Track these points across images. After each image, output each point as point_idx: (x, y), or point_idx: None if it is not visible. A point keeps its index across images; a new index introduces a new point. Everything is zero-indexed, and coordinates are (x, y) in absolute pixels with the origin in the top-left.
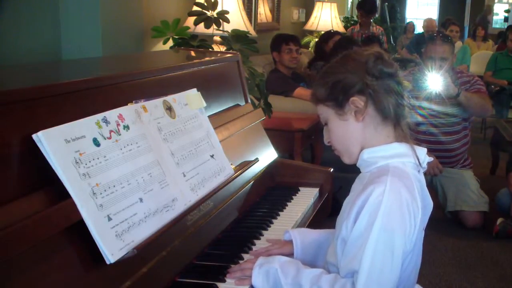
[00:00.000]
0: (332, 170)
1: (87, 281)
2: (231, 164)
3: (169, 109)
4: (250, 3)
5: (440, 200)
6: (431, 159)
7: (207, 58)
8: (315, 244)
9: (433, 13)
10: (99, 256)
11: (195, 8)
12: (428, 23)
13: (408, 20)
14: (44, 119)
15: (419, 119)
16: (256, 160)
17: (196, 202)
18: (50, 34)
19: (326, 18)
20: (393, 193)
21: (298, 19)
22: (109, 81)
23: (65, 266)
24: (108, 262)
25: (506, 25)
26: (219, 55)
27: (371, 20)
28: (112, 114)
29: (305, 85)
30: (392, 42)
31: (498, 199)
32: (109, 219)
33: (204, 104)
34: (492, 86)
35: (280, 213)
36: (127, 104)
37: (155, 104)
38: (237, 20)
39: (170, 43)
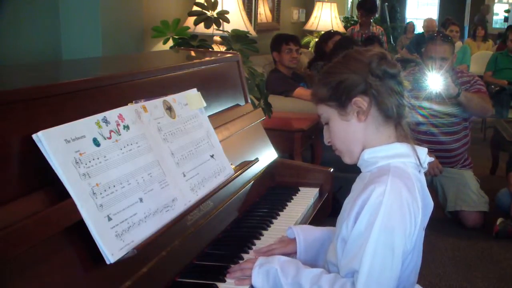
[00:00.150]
0: (332, 170)
1: (87, 281)
2: (231, 164)
3: (169, 109)
4: (250, 3)
5: (440, 200)
6: (432, 159)
7: (207, 58)
8: (318, 242)
9: (433, 13)
10: (99, 256)
11: (195, 8)
12: (428, 23)
13: (408, 20)
14: (44, 119)
15: (420, 119)
16: (256, 160)
17: (196, 202)
18: (50, 34)
19: (326, 18)
20: (393, 193)
21: (298, 19)
22: (109, 81)
23: (65, 266)
24: (108, 262)
25: (506, 25)
26: (219, 55)
27: (371, 20)
28: (112, 114)
29: (305, 85)
30: (392, 42)
31: (498, 199)
32: (109, 219)
33: (204, 104)
34: (492, 86)
35: (280, 213)
36: (127, 104)
37: (155, 104)
38: (237, 20)
39: (170, 43)
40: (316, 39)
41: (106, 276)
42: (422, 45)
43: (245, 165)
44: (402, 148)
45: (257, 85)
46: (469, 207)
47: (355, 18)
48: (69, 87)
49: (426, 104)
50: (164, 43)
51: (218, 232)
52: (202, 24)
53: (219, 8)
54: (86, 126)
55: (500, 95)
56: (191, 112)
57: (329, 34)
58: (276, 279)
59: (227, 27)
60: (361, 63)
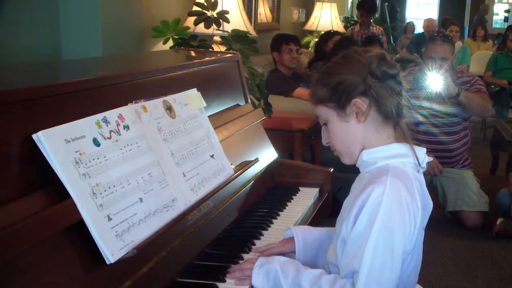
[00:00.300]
0: (332, 170)
1: (87, 281)
2: (231, 164)
3: (169, 109)
4: (250, 3)
5: (440, 200)
6: (430, 159)
7: (207, 58)
8: (316, 242)
9: (433, 13)
10: (99, 256)
11: (195, 8)
12: (428, 23)
13: (408, 20)
14: (44, 119)
15: (420, 119)
16: (256, 160)
17: (196, 202)
18: (50, 34)
19: (326, 18)
20: (392, 193)
21: (298, 19)
22: (109, 81)
23: (65, 266)
24: (108, 262)
25: (506, 25)
26: (219, 55)
27: (371, 20)
28: (112, 114)
29: (305, 85)
30: (392, 42)
31: (498, 199)
32: (109, 219)
33: (204, 104)
34: (492, 86)
35: (280, 213)
36: (127, 104)
37: (155, 104)
38: (237, 20)
39: (170, 43)
40: (316, 39)
41: (106, 276)
42: (422, 45)
43: (245, 165)
44: (401, 148)
45: (257, 85)
46: (469, 207)
47: (355, 18)
48: (69, 87)
49: (426, 104)
50: (164, 43)
51: (218, 232)
52: (202, 24)
53: (219, 8)
54: (86, 126)
55: (500, 95)
56: (191, 112)
57: (329, 34)
58: (276, 279)
59: (227, 27)
60: (360, 63)
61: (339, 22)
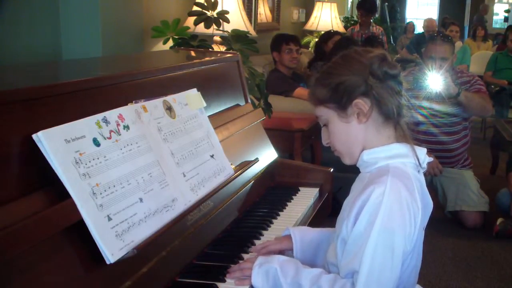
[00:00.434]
0: (332, 170)
1: (87, 281)
2: (231, 164)
3: (169, 109)
4: (250, 3)
5: (440, 200)
6: (431, 159)
7: (207, 58)
8: (314, 243)
9: (433, 13)
10: (99, 256)
11: (195, 8)
12: (428, 23)
13: (408, 20)
14: (44, 119)
15: (420, 118)
16: (256, 160)
17: (196, 202)
18: (50, 34)
19: (326, 18)
20: (393, 194)
21: (298, 19)
22: (109, 81)
23: (65, 266)
24: (108, 262)
25: (506, 25)
26: (219, 55)
27: (371, 20)
28: (112, 114)
29: (305, 85)
30: (392, 42)
31: (498, 199)
32: (109, 219)
33: (204, 104)
34: (492, 86)
35: (280, 213)
36: (127, 104)
37: (155, 104)
38: (237, 20)
39: (170, 43)
40: (316, 39)
41: (106, 276)
42: (422, 45)
43: (245, 165)
44: (401, 148)
45: (257, 85)
46: (469, 207)
47: (355, 18)
48: (69, 87)
49: (426, 104)
50: (164, 43)
51: (218, 232)
52: (202, 24)
53: (219, 8)
54: (86, 126)
55: (500, 95)
56: (191, 112)
57: (329, 34)
58: (275, 278)
59: (227, 27)
60: (360, 64)
61: (339, 22)
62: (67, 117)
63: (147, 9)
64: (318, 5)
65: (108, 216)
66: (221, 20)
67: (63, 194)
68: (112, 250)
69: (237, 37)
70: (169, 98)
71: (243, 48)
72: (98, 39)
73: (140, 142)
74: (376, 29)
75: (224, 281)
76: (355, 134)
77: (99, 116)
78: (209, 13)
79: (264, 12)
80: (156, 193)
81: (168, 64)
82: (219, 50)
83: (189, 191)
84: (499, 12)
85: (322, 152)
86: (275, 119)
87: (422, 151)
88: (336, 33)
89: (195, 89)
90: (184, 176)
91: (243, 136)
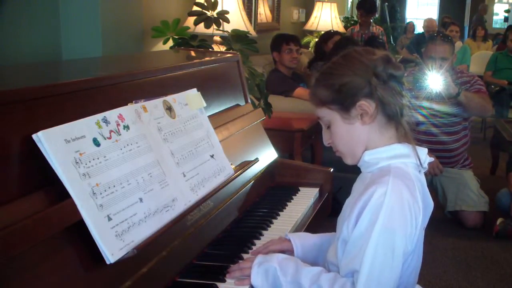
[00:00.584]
0: (332, 170)
1: (87, 281)
2: (231, 164)
3: (169, 109)
4: (250, 3)
5: (440, 200)
6: (432, 159)
7: (207, 58)
8: (315, 247)
9: (433, 13)
10: (99, 256)
11: (195, 8)
12: (428, 23)
13: (408, 20)
14: (44, 119)
15: (420, 118)
16: (256, 160)
17: (196, 202)
18: (50, 34)
19: (326, 18)
20: (394, 194)
21: (298, 19)
22: (109, 81)
23: (65, 266)
24: (108, 262)
25: (506, 25)
26: (219, 55)
27: (371, 20)
28: (112, 114)
29: (305, 85)
30: (392, 42)
31: (498, 199)
32: (109, 219)
33: (204, 104)
34: (492, 86)
35: (280, 213)
36: (127, 104)
37: (155, 104)
38: (237, 20)
39: (170, 43)
40: (316, 39)
41: (106, 276)
42: (422, 45)
43: (245, 165)
44: (403, 148)
45: (257, 85)
46: (469, 207)
47: (355, 18)
48: (69, 87)
49: (426, 104)
50: (164, 43)
51: (218, 232)
52: (202, 24)
53: (219, 8)
54: (86, 126)
55: (500, 95)
56: (191, 112)
57: (329, 34)
58: (275, 277)
59: (227, 27)
60: (363, 64)
61: (339, 22)
62: (67, 117)
63: (147, 9)
64: (318, 5)
65: (108, 216)
66: (221, 20)
67: (63, 194)
68: (112, 250)
69: (237, 37)
70: (169, 98)
71: (243, 48)
72: (98, 39)
73: (140, 142)
74: (376, 29)
75: (224, 281)
76: (358, 135)
77: (99, 116)
78: (209, 13)
79: (264, 12)
80: (156, 193)
81: (168, 64)
82: (219, 50)
83: (189, 191)
84: (499, 12)
85: (322, 152)
86: (275, 119)
87: (423, 151)
88: (336, 33)
89: (195, 89)
90: (184, 176)
91: (243, 136)
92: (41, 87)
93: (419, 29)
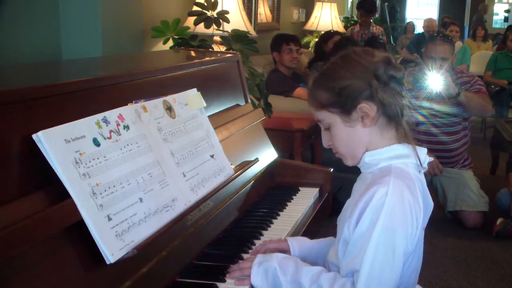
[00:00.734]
0: (332, 170)
1: (87, 281)
2: (231, 164)
3: (169, 109)
4: (250, 3)
5: (440, 200)
6: (431, 159)
7: (207, 58)
8: (313, 250)
9: (433, 13)
10: (99, 256)
11: (195, 8)
12: (428, 23)
13: (408, 20)
14: (44, 119)
15: (420, 119)
16: (256, 160)
17: (196, 202)
18: (50, 34)
19: (326, 18)
20: (395, 194)
21: (298, 19)
22: (109, 81)
23: (65, 266)
24: (108, 262)
25: (506, 25)
26: (219, 55)
27: (371, 20)
28: (112, 114)
29: (305, 85)
30: (392, 42)
31: (498, 199)
32: (109, 219)
33: (204, 104)
34: (492, 86)
35: (280, 213)
36: (127, 104)
37: (155, 104)
38: (237, 20)
39: (170, 43)
40: (316, 39)
41: (106, 276)
42: (422, 45)
43: (245, 165)
44: (403, 149)
45: (257, 85)
46: (469, 207)
47: (355, 18)
48: (69, 87)
49: (426, 104)
50: (164, 43)
51: (218, 232)
52: (202, 24)
53: (219, 8)
54: (86, 126)
55: (500, 95)
56: (191, 112)
57: (329, 34)
58: (275, 277)
59: (227, 27)
60: (362, 66)
61: (339, 22)
62: (67, 117)
63: (147, 9)
64: (318, 5)
65: (108, 216)
66: (221, 20)
67: (63, 194)
68: (112, 250)
69: (237, 37)
70: (169, 98)
71: (243, 48)
72: (98, 39)
73: (140, 142)
74: (376, 29)
75: (224, 281)
76: (359, 137)
77: (99, 116)
78: (209, 13)
79: (264, 12)
80: (156, 193)
81: (168, 64)
82: (219, 50)
83: (189, 191)
84: (499, 12)
85: (322, 152)
86: (275, 119)
87: (423, 151)
88: (336, 33)
89: (195, 89)
90: (184, 176)
91: (243, 136)
92: (41, 87)
93: (419, 29)
